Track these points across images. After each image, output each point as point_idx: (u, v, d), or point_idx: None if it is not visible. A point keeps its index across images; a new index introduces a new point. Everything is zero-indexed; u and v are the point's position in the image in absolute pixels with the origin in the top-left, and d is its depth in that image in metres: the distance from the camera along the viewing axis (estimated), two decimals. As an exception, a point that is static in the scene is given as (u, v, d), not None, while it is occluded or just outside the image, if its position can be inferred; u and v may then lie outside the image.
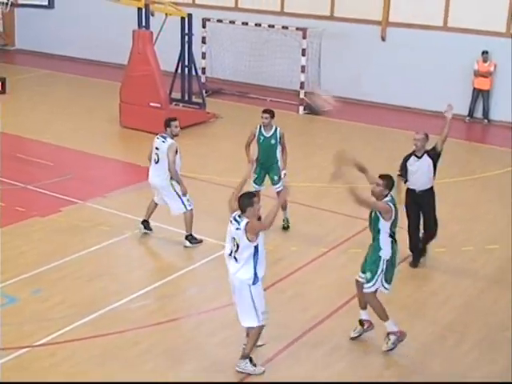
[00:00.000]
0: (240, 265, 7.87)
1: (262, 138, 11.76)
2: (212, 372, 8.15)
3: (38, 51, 27.14)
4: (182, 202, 11.14)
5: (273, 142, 11.70)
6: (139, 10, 17.88)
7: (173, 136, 11.15)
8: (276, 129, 11.75)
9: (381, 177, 8.52)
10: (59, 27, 26.01)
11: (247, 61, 22.14)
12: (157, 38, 17.53)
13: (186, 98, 19.33)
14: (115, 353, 8.44)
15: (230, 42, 22.03)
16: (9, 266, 10.38)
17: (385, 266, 8.42)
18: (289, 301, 9.73)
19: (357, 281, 8.71)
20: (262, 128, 11.75)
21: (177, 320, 9.32)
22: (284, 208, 11.85)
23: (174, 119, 11.29)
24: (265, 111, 11.87)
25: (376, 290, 8.49)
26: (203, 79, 21.10)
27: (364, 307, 8.77)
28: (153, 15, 17.84)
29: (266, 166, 11.81)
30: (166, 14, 18.32)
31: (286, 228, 11.97)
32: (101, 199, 13.03)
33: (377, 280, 8.43)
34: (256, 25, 20.96)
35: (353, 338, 8.79)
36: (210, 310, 9.49)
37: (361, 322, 8.79)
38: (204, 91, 19.91)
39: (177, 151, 11.08)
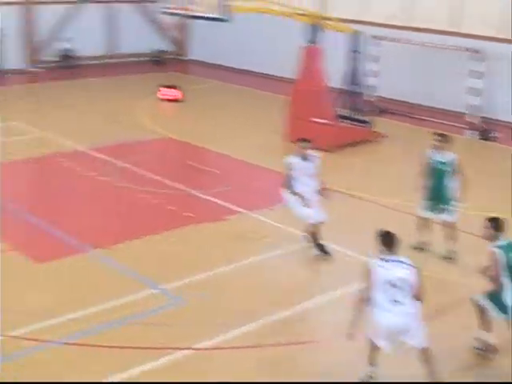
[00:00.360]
0: (408, 306, 7.65)
1: (432, 162, 11.36)
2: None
3: (209, 62, 28.13)
4: (305, 212, 11.22)
5: (444, 168, 11.24)
6: (309, 25, 18.08)
7: (300, 154, 11.32)
8: (451, 155, 11.29)
9: (489, 220, 8.36)
10: (231, 40, 26.85)
11: (414, 80, 21.83)
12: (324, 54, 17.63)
13: (353, 115, 19.32)
14: (269, 366, 8.44)
15: (398, 60, 21.80)
16: (176, 268, 10.79)
17: None
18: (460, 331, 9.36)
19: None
20: (434, 151, 11.42)
21: (335, 340, 9.25)
22: (454, 239, 11.44)
23: (301, 140, 11.41)
24: (437, 134, 11.53)
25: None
26: (371, 97, 20.95)
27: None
28: (322, 31, 17.96)
29: (436, 192, 11.38)
30: (336, 31, 18.41)
31: (448, 259, 11.39)
32: (266, 211, 13.18)
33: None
34: (426, 44, 20.59)
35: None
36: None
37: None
38: (371, 109, 19.82)
39: (291, 168, 11.23)
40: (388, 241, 7.75)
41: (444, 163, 11.26)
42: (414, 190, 11.61)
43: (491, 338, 8.60)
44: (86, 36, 26.95)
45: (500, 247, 8.14)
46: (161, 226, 12.28)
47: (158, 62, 28.82)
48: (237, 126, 19.51)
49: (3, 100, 22.60)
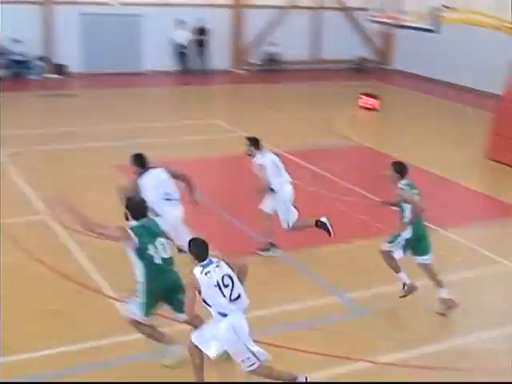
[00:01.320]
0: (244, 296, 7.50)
1: None
2: None
3: (414, 73, 27.67)
4: None
5: None
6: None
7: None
8: None
9: (392, 164, 9.52)
10: (436, 51, 26.24)
11: None
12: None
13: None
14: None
15: None
16: (362, 278, 10.63)
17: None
18: None
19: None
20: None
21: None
22: None
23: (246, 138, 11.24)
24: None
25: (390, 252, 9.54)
26: None
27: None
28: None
29: None
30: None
31: None
32: (457, 229, 12.74)
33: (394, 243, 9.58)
34: None
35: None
36: None
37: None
38: None
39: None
40: (202, 249, 7.50)
41: None
42: None
43: (407, 278, 9.61)
44: (291, 40, 27.50)
45: (406, 185, 9.25)
46: (349, 235, 12.20)
47: (359, 69, 28.78)
48: (435, 140, 19.00)
49: (208, 99, 23.65)
